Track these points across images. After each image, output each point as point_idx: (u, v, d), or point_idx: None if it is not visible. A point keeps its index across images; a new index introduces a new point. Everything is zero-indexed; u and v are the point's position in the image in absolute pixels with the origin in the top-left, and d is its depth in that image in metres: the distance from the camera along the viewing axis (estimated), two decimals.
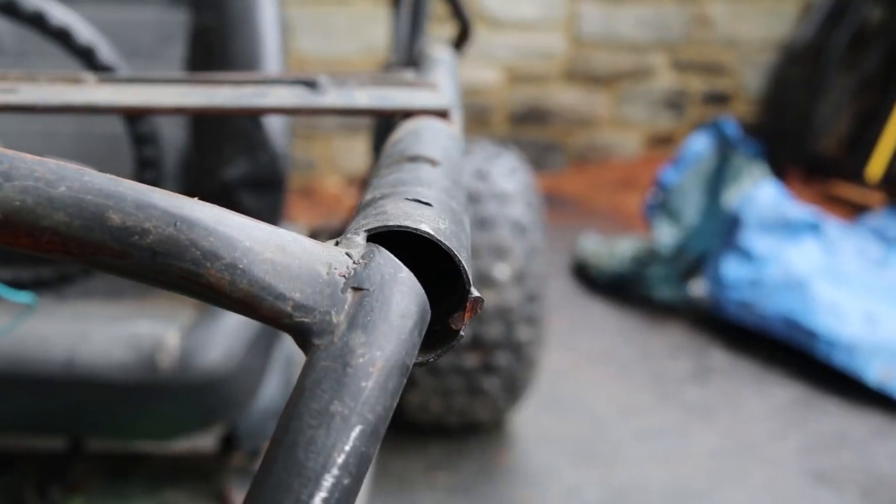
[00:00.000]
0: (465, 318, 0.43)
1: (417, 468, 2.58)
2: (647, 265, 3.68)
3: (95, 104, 0.73)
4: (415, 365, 0.45)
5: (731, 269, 3.32)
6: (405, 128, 0.69)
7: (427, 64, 1.27)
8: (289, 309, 0.38)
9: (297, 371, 2.36)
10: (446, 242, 0.42)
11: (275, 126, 2.08)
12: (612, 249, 3.88)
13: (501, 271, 2.45)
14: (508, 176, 2.58)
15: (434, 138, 0.65)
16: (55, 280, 1.45)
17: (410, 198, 0.47)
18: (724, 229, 3.43)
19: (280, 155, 2.08)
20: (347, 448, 0.36)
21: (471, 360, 2.45)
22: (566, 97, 5.24)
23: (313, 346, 0.38)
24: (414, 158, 0.57)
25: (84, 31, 1.27)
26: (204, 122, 2.14)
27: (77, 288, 1.87)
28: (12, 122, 2.18)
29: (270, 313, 0.38)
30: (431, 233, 0.42)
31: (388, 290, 0.39)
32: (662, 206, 3.76)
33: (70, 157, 1.95)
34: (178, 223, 0.38)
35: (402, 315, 0.38)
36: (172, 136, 2.22)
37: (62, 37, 1.26)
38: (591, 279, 3.90)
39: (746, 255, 3.32)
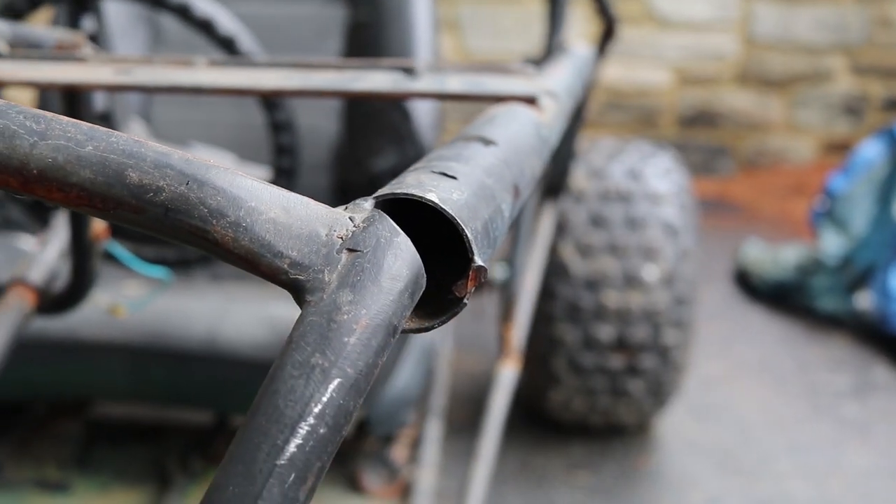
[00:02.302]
0: (469, 287, 0.44)
1: (558, 466, 2.58)
2: (812, 274, 3.55)
3: (198, 85, 0.77)
4: (416, 331, 0.46)
5: None
6: (485, 112, 0.71)
7: (555, 57, 1.27)
8: (285, 266, 0.40)
9: (436, 360, 2.39)
10: (451, 211, 0.43)
11: (423, 118, 2.12)
12: (776, 257, 3.76)
13: (650, 273, 2.42)
14: (662, 176, 2.54)
15: (505, 121, 0.66)
16: (196, 259, 1.53)
17: (437, 170, 0.48)
18: (894, 240, 3.28)
19: (428, 147, 2.12)
20: (325, 399, 0.37)
21: (616, 361, 2.43)
22: (737, 100, 5.11)
23: (306, 303, 0.40)
24: (469, 138, 0.58)
25: (226, 22, 1.33)
26: (355, 114, 2.20)
27: (210, 268, 1.95)
28: (177, 111, 2.29)
29: (269, 270, 0.40)
30: (436, 201, 0.43)
31: (380, 253, 0.40)
32: (829, 214, 3.62)
33: (226, 144, 2.04)
34: (189, 182, 0.41)
35: (392, 277, 0.40)
36: (325, 127, 2.29)
37: (205, 27, 1.32)
38: (752, 287, 3.80)
39: None
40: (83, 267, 1.26)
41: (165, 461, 2.00)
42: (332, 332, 0.38)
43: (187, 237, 0.41)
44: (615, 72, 4.95)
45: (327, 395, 0.37)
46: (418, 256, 0.41)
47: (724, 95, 5.10)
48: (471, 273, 0.44)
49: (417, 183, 0.45)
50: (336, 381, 0.37)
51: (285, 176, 1.47)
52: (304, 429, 0.37)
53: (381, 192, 0.44)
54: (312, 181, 2.30)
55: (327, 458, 0.38)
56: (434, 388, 2.32)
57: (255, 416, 0.38)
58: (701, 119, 5.13)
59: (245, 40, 1.35)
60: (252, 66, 0.83)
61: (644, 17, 4.91)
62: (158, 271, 1.37)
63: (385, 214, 0.42)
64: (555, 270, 2.41)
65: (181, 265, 1.47)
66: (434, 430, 2.16)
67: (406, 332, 0.45)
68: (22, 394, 1.95)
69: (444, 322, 0.45)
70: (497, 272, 2.17)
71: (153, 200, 0.41)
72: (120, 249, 1.35)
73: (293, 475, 0.37)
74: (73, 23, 1.32)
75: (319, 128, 2.29)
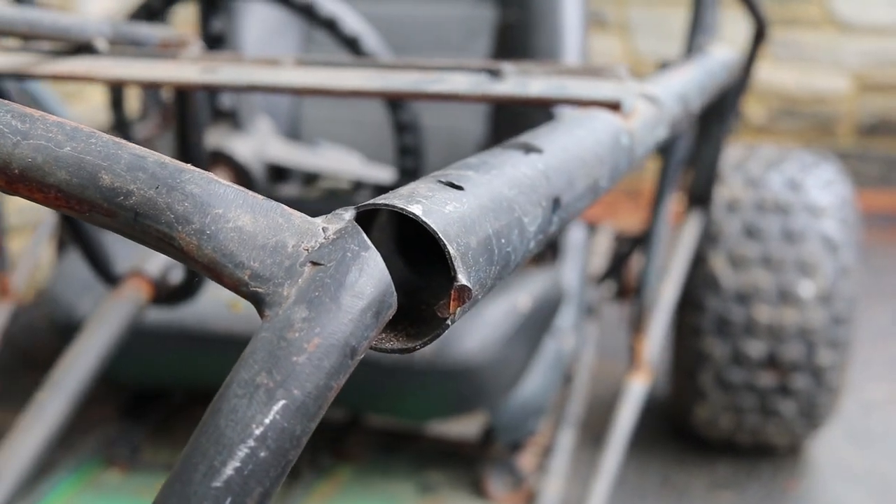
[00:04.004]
0: (451, 308, 0.41)
1: (701, 484, 2.49)
2: None
3: (276, 84, 0.77)
4: (398, 351, 0.43)
5: None
6: (560, 117, 0.67)
7: (682, 60, 1.22)
8: (246, 277, 0.38)
9: (573, 368, 2.35)
10: (434, 225, 0.40)
11: None
12: None
13: (806, 289, 2.31)
14: (824, 188, 2.42)
15: (571, 128, 0.62)
16: None
17: (445, 180, 0.45)
18: None
19: None
20: (267, 421, 0.35)
21: (766, 379, 2.33)
22: None
23: (264, 317, 0.38)
24: (512, 144, 0.55)
25: (350, 22, 1.33)
26: (501, 117, 2.18)
27: None
28: (326, 110, 2.32)
29: (231, 280, 0.39)
30: (418, 213, 0.40)
31: (344, 268, 0.38)
32: None
33: (370, 143, 2.05)
34: (159, 186, 0.39)
35: (354, 295, 0.37)
36: (472, 129, 2.28)
37: (330, 26, 1.33)
38: None
39: None
40: None
41: None
42: (280, 351, 0.36)
43: (155, 243, 0.40)
44: (789, 77, 4.76)
45: (270, 416, 0.35)
46: (387, 274, 0.38)
47: None
48: (453, 293, 0.41)
49: (410, 193, 0.42)
50: (280, 403, 0.35)
51: (409, 176, 1.46)
52: (243, 451, 0.35)
53: (364, 203, 0.41)
54: None
55: (270, 484, 0.36)
56: (570, 397, 2.28)
57: (198, 435, 0.36)
58: (881, 128, 4.87)
59: (369, 40, 1.35)
60: (336, 67, 0.82)
61: (823, 21, 4.70)
62: None
63: (358, 227, 0.39)
64: (704, 282, 2.33)
65: None
66: (566, 440, 2.12)
67: (386, 351, 0.43)
68: (159, 381, 2.02)
69: (425, 344, 0.42)
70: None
71: (123, 204, 0.40)
72: None
73: (229, 499, 0.35)
74: (205, 22, 1.35)
75: (465, 129, 2.28)
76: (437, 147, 2.18)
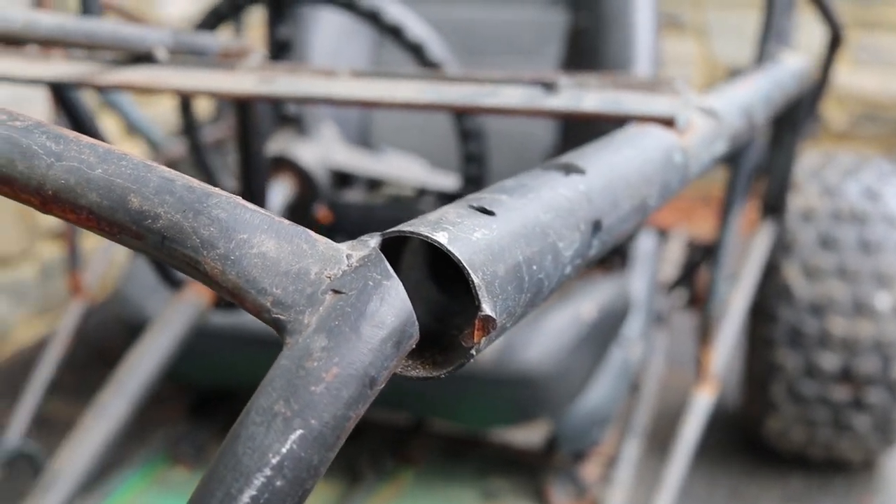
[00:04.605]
0: (476, 337, 0.40)
1: (772, 497, 2.45)
2: None
3: (331, 96, 0.77)
4: (423, 379, 0.43)
5: None
6: (610, 134, 0.66)
7: (748, 70, 1.19)
8: (268, 304, 0.38)
9: (635, 377, 2.32)
10: (459, 254, 0.39)
11: None
12: None
13: (882, 301, 2.25)
14: None
15: (618, 146, 0.61)
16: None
17: (476, 204, 0.44)
18: None
19: None
20: (284, 450, 0.35)
21: (839, 393, 2.27)
22: None
23: (284, 344, 0.37)
24: (552, 165, 0.54)
25: (415, 29, 1.33)
26: (571, 125, 2.16)
27: None
28: (397, 117, 2.33)
29: (253, 306, 0.38)
30: (443, 242, 0.39)
31: (366, 297, 0.37)
32: None
33: (439, 150, 2.05)
34: (186, 210, 0.39)
35: (375, 325, 0.37)
36: (542, 137, 2.27)
37: (395, 32, 1.32)
38: None
39: None
40: None
41: (358, 458, 2.04)
42: (299, 380, 0.36)
43: (182, 266, 0.40)
44: (870, 82, 4.65)
45: (287, 446, 0.35)
46: (409, 303, 0.38)
47: None
48: (477, 322, 0.40)
49: (438, 219, 0.42)
50: (297, 433, 0.35)
51: (473, 184, 1.46)
52: (259, 479, 0.35)
53: (389, 230, 0.41)
54: None
55: None
56: (637, 406, 2.25)
57: (217, 460, 0.36)
58: None
59: (434, 48, 1.34)
60: (392, 78, 0.82)
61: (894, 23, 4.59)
62: None
63: (381, 255, 0.39)
64: (777, 292, 2.28)
65: None
66: (632, 450, 2.10)
67: (411, 379, 0.42)
68: (224, 383, 2.04)
69: (449, 373, 0.42)
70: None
71: (151, 227, 0.40)
72: None
73: None
74: (271, 27, 1.36)
75: (535, 135, 2.27)
76: (504, 153, 2.17)
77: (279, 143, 1.57)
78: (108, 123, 2.99)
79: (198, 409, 2.21)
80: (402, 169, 1.72)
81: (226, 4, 1.37)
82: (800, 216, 2.30)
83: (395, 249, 0.42)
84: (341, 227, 1.58)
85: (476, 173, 1.44)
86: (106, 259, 2.45)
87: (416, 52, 1.34)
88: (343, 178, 1.70)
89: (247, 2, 1.37)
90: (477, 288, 0.39)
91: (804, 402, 2.31)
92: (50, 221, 3.08)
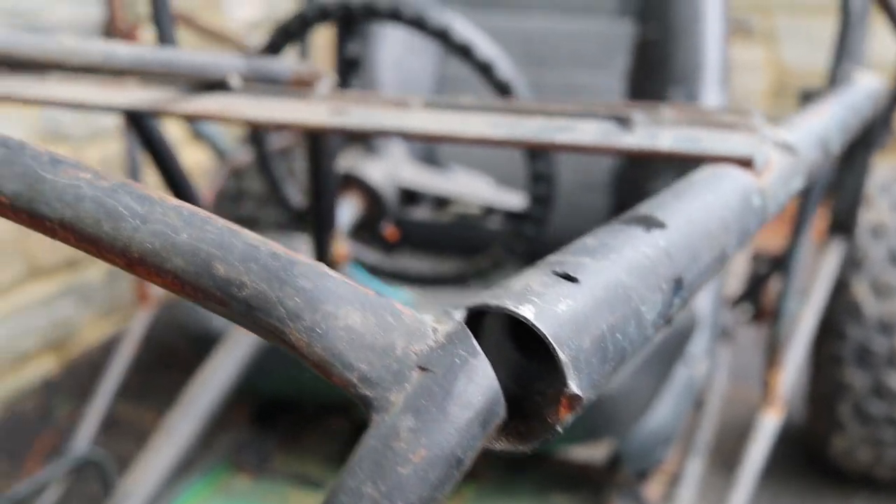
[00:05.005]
0: (561, 415, 0.40)
1: None
2: None
3: (403, 129, 0.76)
4: (508, 454, 0.42)
5: None
6: (685, 178, 0.65)
7: (822, 95, 1.17)
8: (355, 379, 0.38)
9: (704, 395, 2.29)
10: (545, 329, 0.39)
11: None
12: None
13: None
14: None
15: (696, 193, 0.60)
16: (449, 278, 1.54)
17: (559, 271, 0.44)
18: None
19: None
20: None
21: None
22: None
23: (371, 422, 0.37)
24: (632, 219, 0.53)
25: (484, 48, 1.32)
26: None
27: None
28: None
29: (340, 380, 0.38)
30: (529, 317, 0.39)
31: (453, 376, 0.37)
32: None
33: (503, 168, 2.04)
34: (271, 279, 0.39)
35: (462, 405, 0.36)
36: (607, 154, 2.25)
37: (464, 52, 1.32)
38: None
39: None
40: None
41: None
42: (386, 461, 0.35)
43: (268, 335, 0.40)
44: None
45: None
46: (496, 382, 0.37)
47: None
48: (563, 400, 0.39)
49: (523, 290, 0.41)
50: None
51: (540, 203, 1.45)
52: None
53: (474, 301, 0.40)
54: (591, 202, 2.27)
55: None
56: (700, 424, 2.23)
57: None
58: None
59: (503, 67, 1.34)
60: (463, 110, 0.81)
61: None
62: (400, 294, 1.39)
63: (468, 331, 0.38)
64: (845, 309, 2.24)
65: (429, 283, 1.49)
66: (695, 468, 2.07)
67: (494, 451, 0.42)
68: (289, 393, 2.05)
69: (532, 448, 0.41)
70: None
71: (236, 295, 0.40)
72: (361, 271, 1.38)
73: None
74: (341, 45, 1.36)
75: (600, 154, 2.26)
76: (571, 170, 2.16)
77: (348, 161, 1.58)
78: (172, 129, 3.02)
79: (261, 417, 2.22)
80: (469, 187, 1.72)
81: (295, 23, 1.38)
82: (870, 232, 2.25)
83: (477, 315, 0.42)
84: (408, 245, 1.58)
85: (544, 192, 1.43)
86: None
87: (485, 71, 1.33)
88: (410, 196, 1.70)
89: (316, 20, 1.38)
90: (564, 366, 0.39)
91: (871, 421, 2.27)
92: None
